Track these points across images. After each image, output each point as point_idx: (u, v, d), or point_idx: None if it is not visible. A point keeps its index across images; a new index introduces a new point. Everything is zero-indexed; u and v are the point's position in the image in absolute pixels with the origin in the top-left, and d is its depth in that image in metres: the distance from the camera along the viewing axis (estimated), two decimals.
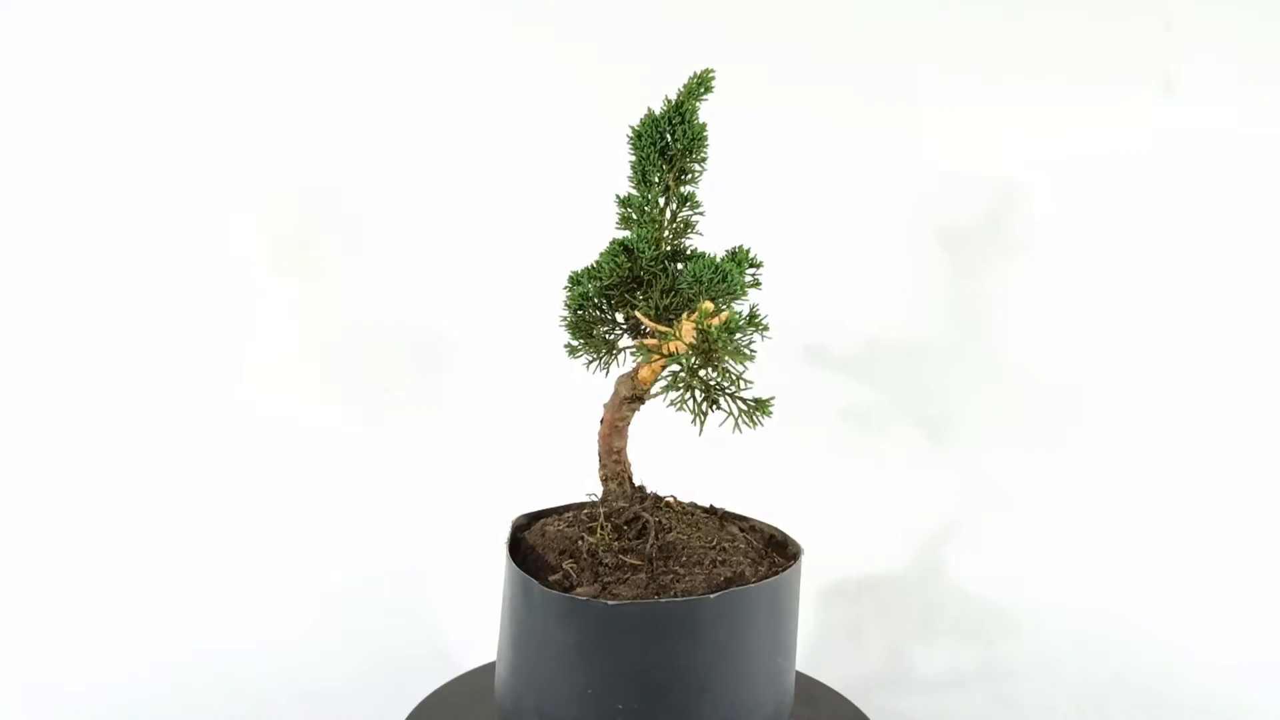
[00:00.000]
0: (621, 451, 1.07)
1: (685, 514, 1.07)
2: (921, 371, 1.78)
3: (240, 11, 1.61)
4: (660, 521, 1.04)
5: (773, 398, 0.93)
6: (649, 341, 0.97)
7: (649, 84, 1.70)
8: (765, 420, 0.92)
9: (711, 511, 1.12)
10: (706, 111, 1.04)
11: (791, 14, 1.73)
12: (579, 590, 0.95)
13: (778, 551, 1.07)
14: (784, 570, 0.98)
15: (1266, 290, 1.73)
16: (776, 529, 1.10)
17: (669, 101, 1.04)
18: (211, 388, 1.66)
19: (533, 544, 1.05)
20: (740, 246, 1.01)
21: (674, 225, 1.07)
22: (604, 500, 1.07)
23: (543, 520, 1.11)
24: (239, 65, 1.62)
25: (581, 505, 1.12)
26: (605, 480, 1.07)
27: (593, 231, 1.69)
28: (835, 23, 1.73)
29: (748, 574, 0.96)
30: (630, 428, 1.06)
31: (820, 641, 1.65)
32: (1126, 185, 1.74)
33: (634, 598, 0.92)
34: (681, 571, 0.96)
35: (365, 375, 1.73)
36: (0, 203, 1.56)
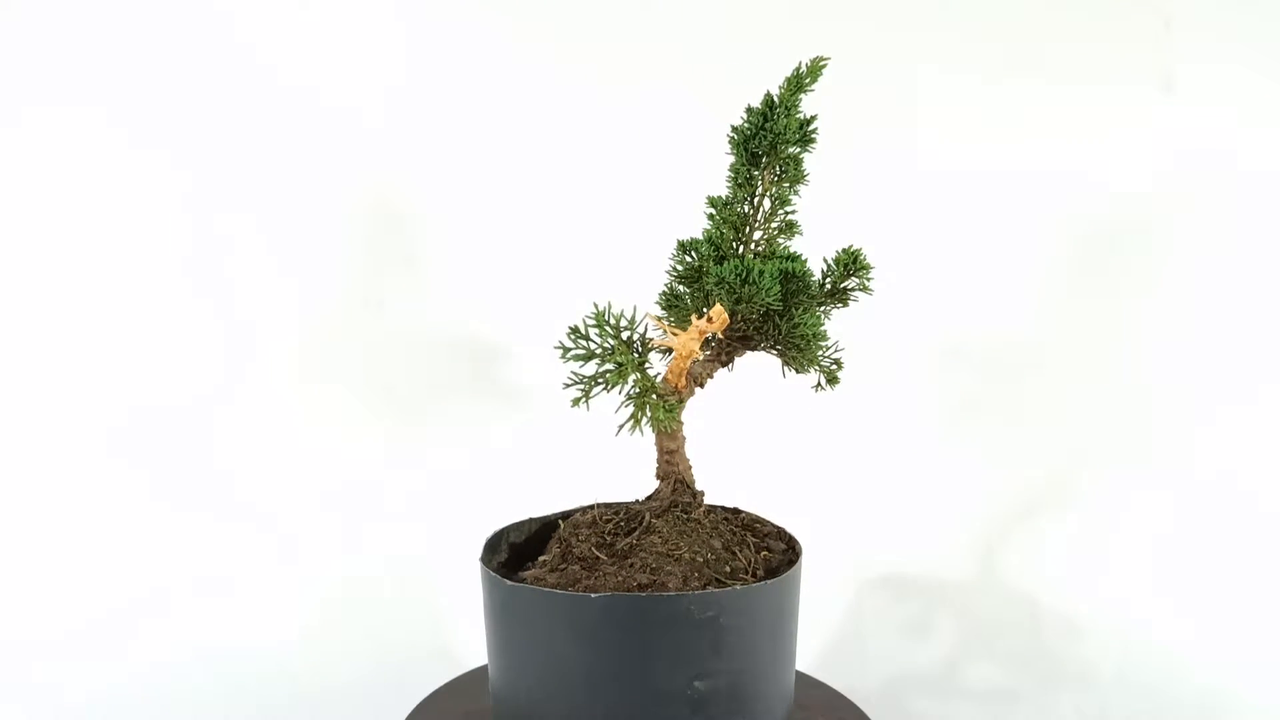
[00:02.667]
0: (673, 453, 1.08)
1: (690, 520, 1.06)
2: (924, 368, 1.78)
3: (241, 11, 1.61)
4: (652, 523, 1.05)
5: (674, 404, 0.99)
6: (658, 341, 0.97)
7: (653, 86, 1.71)
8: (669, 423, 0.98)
9: (731, 518, 1.11)
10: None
11: (792, 13, 1.73)
12: (525, 574, 1.02)
13: (771, 570, 1.03)
14: (716, 590, 0.94)
15: (1266, 290, 1.73)
16: (794, 545, 1.07)
17: (768, 96, 1.02)
18: (212, 388, 1.66)
19: (557, 533, 1.11)
20: (850, 247, 1.01)
21: (767, 226, 1.05)
22: (651, 498, 1.10)
23: (590, 511, 1.13)
24: (240, 64, 1.62)
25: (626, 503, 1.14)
26: (659, 479, 1.10)
27: (604, 232, 1.70)
28: (836, 23, 1.73)
29: (670, 586, 0.94)
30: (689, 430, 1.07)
31: (821, 639, 1.65)
32: (1125, 185, 1.74)
33: (553, 586, 0.96)
34: (612, 571, 0.98)
35: (365, 375, 1.73)
36: (0, 203, 1.56)
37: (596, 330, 0.96)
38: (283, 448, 1.69)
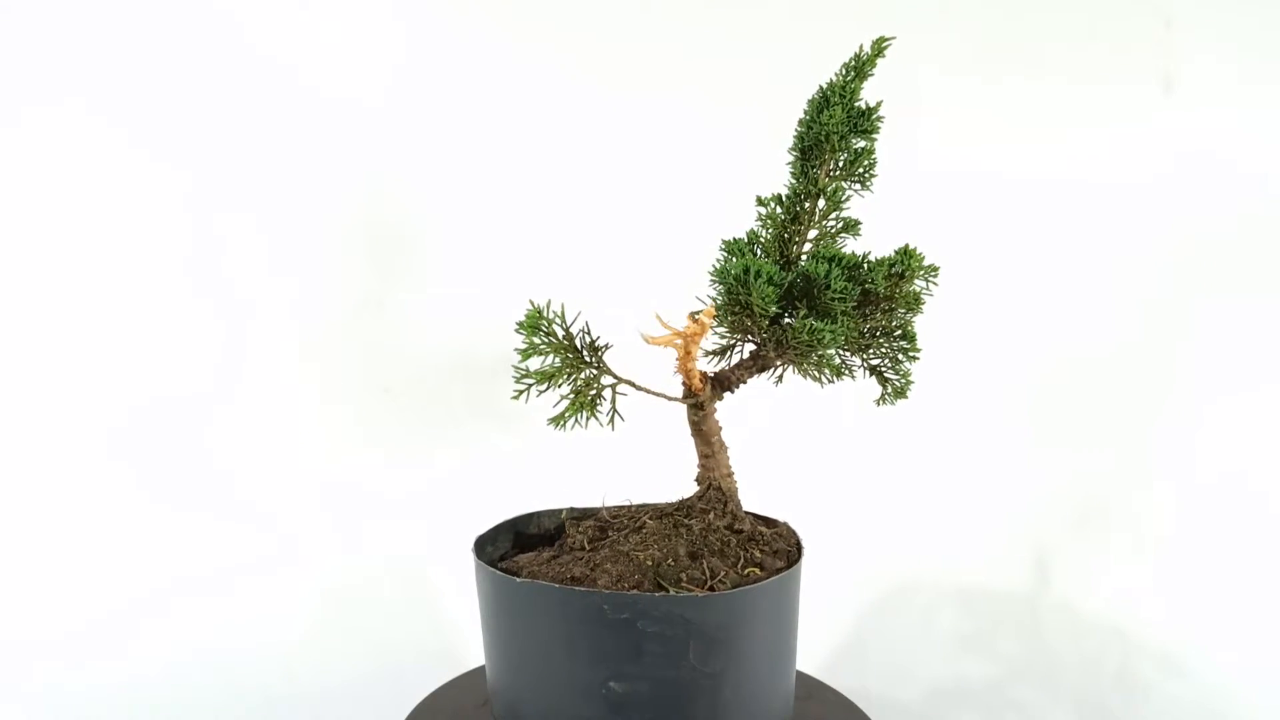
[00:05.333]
0: (709, 458, 1.07)
1: (682, 524, 1.05)
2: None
3: (240, 11, 1.61)
4: (646, 523, 1.06)
5: (603, 406, 0.98)
6: (649, 339, 0.96)
7: (655, 88, 1.71)
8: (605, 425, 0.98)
9: (748, 529, 1.08)
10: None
11: (792, 14, 1.73)
12: (512, 559, 1.07)
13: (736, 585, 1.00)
14: (636, 594, 0.92)
15: (1266, 290, 1.73)
16: (788, 560, 1.03)
17: (822, 87, 0.97)
18: (211, 388, 1.66)
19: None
20: (907, 246, 0.95)
21: (821, 224, 1.00)
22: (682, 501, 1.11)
23: (620, 509, 1.14)
24: (239, 64, 1.62)
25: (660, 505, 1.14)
26: (698, 483, 1.10)
27: (609, 233, 1.70)
28: (836, 23, 1.72)
29: (598, 583, 0.95)
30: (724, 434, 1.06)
31: (818, 639, 1.65)
32: (1126, 185, 1.74)
33: (510, 570, 1.01)
34: (566, 561, 1.02)
35: (365, 375, 1.73)
36: (1, 202, 1.56)
37: (529, 327, 0.94)
38: (282, 448, 1.69)
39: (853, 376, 1.04)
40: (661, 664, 0.92)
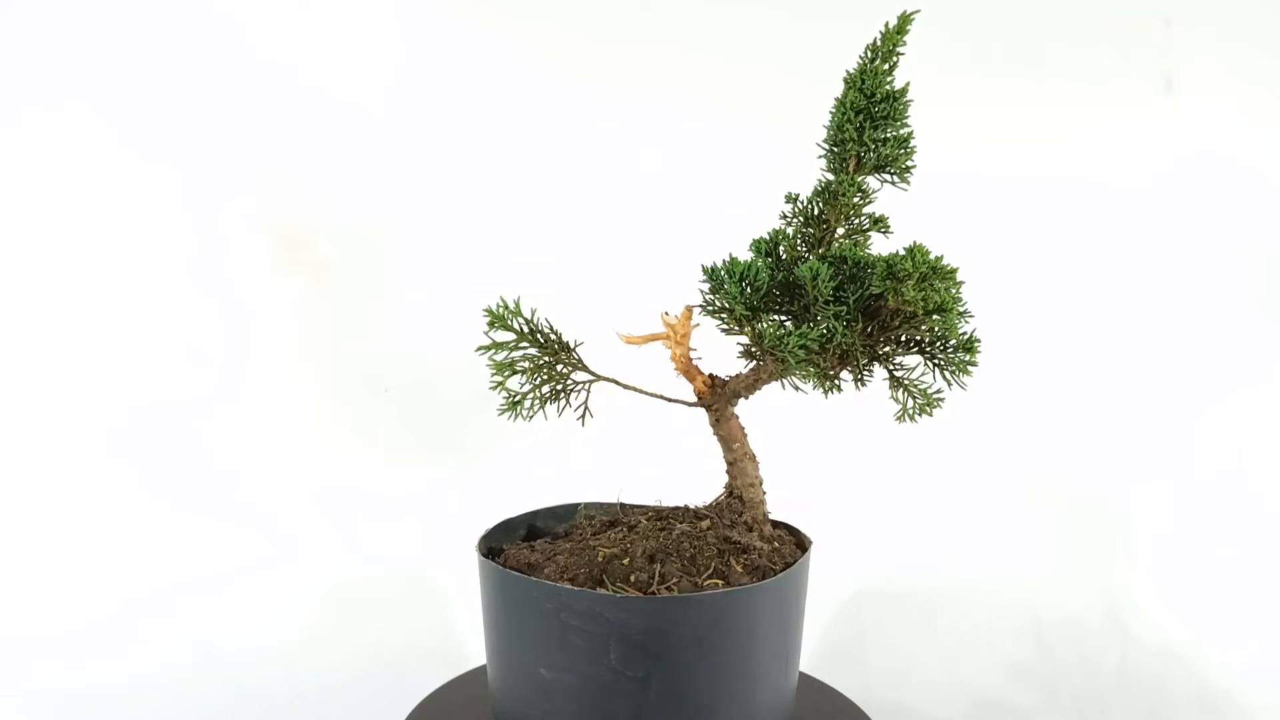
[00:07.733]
0: (732, 465, 1.06)
1: (664, 527, 1.05)
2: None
3: (241, 12, 1.61)
4: (641, 523, 1.07)
5: (522, 400, 0.99)
6: (626, 338, 0.97)
7: (651, 91, 1.71)
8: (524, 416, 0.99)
9: (736, 541, 1.04)
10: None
11: (792, 14, 1.73)
12: (516, 544, 1.09)
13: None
14: (568, 587, 0.92)
15: (1265, 289, 1.73)
16: (761, 577, 0.99)
17: (848, 77, 0.92)
18: (211, 388, 1.66)
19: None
20: (915, 244, 0.88)
21: (849, 221, 0.96)
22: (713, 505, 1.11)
23: (638, 509, 1.16)
24: (240, 66, 1.62)
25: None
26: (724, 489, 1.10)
27: (609, 234, 1.70)
28: (835, 22, 1.72)
29: (548, 573, 0.97)
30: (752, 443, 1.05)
31: (820, 639, 1.65)
32: (1126, 184, 1.74)
33: (496, 553, 1.05)
34: (542, 548, 1.04)
35: (364, 376, 1.73)
36: (1, 202, 1.56)
37: (493, 322, 0.96)
38: (283, 448, 1.69)
39: (840, 389, 0.98)
40: (585, 659, 0.92)
